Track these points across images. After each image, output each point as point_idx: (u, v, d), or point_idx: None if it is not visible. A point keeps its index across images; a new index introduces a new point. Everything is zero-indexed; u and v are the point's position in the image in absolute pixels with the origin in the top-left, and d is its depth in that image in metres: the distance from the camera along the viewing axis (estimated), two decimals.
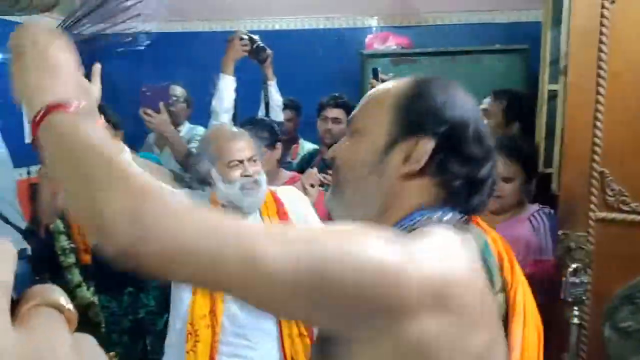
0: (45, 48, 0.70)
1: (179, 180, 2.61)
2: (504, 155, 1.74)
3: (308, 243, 0.56)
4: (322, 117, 2.63)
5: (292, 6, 3.80)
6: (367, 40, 3.54)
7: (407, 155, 0.71)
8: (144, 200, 0.54)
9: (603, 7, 1.48)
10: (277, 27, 3.86)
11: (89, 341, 0.23)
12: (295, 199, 1.83)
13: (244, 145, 1.70)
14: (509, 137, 1.95)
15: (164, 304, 2.44)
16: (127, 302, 2.41)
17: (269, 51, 2.39)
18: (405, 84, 0.76)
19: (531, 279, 1.62)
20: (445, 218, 0.70)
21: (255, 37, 2.37)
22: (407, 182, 0.71)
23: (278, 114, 2.42)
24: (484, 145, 0.74)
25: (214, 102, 2.27)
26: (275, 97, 2.42)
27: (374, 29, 3.73)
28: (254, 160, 1.71)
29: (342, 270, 0.54)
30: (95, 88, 1.37)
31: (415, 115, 0.72)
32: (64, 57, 0.71)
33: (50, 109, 0.62)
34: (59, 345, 0.22)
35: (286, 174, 2.34)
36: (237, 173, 1.67)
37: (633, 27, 1.47)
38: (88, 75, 1.22)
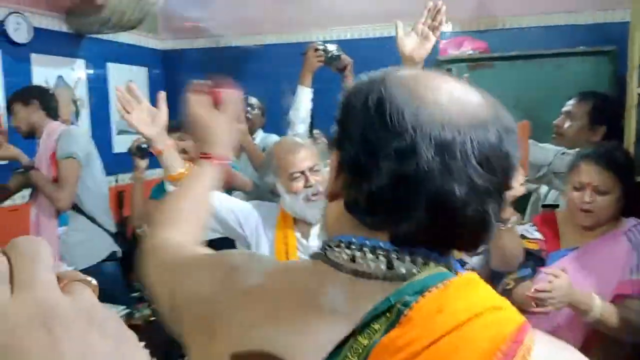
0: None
1: (254, 188, 2.69)
2: (599, 166, 1.62)
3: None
4: None
5: (363, 15, 3.83)
6: (440, 45, 3.49)
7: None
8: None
9: None
10: (348, 36, 3.90)
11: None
12: None
13: (304, 155, 1.70)
14: (603, 145, 1.81)
15: None
16: None
17: (345, 59, 2.36)
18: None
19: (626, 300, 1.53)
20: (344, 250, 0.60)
21: (332, 46, 2.36)
22: (330, 203, 0.65)
23: None
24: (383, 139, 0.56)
25: (290, 113, 2.32)
26: None
27: (448, 34, 3.67)
28: (316, 170, 1.70)
29: None
30: (162, 114, 1.44)
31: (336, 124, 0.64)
32: None
33: None
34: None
35: None
36: (299, 184, 1.67)
37: None
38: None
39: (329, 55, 2.33)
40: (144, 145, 2.40)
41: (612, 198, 1.61)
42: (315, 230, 1.76)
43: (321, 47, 2.34)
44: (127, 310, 2.25)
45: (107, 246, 2.49)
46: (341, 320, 0.55)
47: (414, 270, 0.57)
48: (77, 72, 3.42)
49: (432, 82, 0.60)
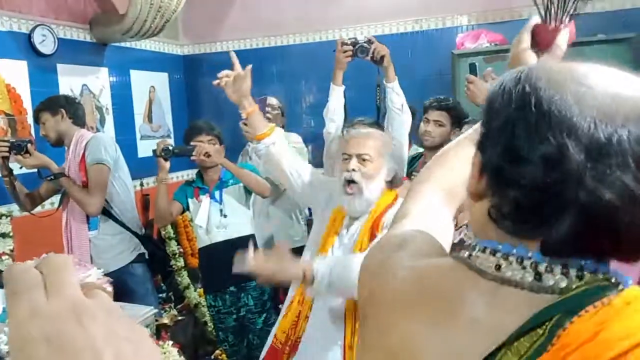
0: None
1: (274, 187, 2.73)
2: None
3: None
4: (424, 119, 2.57)
5: (381, 12, 3.84)
6: (457, 39, 3.48)
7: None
8: None
9: None
10: (365, 33, 3.91)
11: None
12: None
13: (357, 142, 1.71)
14: None
15: (262, 304, 2.57)
16: (229, 302, 2.56)
17: (378, 49, 2.27)
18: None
19: None
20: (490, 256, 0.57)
21: (361, 37, 2.31)
22: (475, 204, 0.62)
23: (394, 117, 2.26)
24: (546, 138, 0.51)
25: (324, 111, 2.32)
26: (395, 99, 2.27)
27: (465, 27, 3.66)
28: (365, 160, 1.69)
29: None
30: (247, 81, 1.89)
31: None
32: None
33: None
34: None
35: None
36: (344, 166, 1.70)
37: None
38: None
39: (357, 47, 2.29)
40: (169, 147, 2.47)
41: None
42: (355, 228, 1.72)
43: (348, 41, 2.29)
44: (155, 311, 2.32)
45: (135, 248, 2.57)
46: (481, 329, 0.53)
47: (564, 284, 0.52)
48: (101, 80, 3.52)
49: (583, 75, 0.54)
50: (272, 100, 3.03)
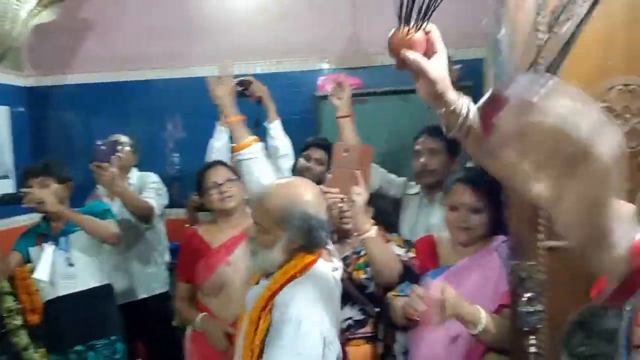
0: None
1: (132, 230, 2.55)
2: (471, 187, 1.77)
3: None
4: (306, 156, 2.60)
5: (245, 52, 3.85)
6: (319, 82, 3.60)
7: None
8: None
9: (539, 44, 1.56)
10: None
11: None
12: None
13: None
14: (473, 169, 1.98)
15: None
16: None
17: (254, 88, 2.31)
18: None
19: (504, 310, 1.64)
20: None
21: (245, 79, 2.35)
22: None
23: (283, 161, 2.27)
24: None
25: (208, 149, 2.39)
26: (280, 142, 2.27)
27: (326, 71, 3.81)
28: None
29: None
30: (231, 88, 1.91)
31: None
32: None
33: None
34: None
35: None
36: None
37: (572, 59, 1.55)
38: None
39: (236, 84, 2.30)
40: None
41: (484, 216, 1.77)
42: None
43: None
44: None
45: None
46: None
47: None
48: None
49: None
50: (123, 138, 2.86)
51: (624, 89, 1.51)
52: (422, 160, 2.30)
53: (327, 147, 2.57)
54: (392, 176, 2.53)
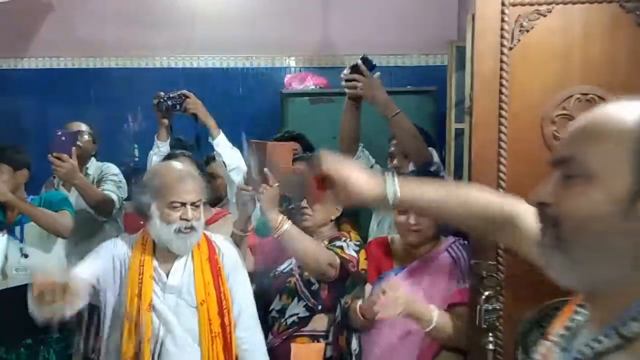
0: None
1: (88, 224, 2.48)
2: None
3: None
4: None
5: (211, 45, 3.82)
6: (285, 79, 3.61)
7: None
8: None
9: (502, 53, 1.62)
10: (195, 64, 3.85)
11: None
12: (228, 248, 1.82)
13: (191, 188, 1.68)
14: (423, 171, 2.03)
15: (67, 358, 2.26)
16: (25, 356, 2.21)
17: (189, 105, 2.27)
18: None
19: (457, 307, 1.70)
20: None
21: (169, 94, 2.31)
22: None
23: (234, 174, 2.23)
24: None
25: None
26: (227, 157, 2.24)
27: (293, 69, 3.82)
28: (197, 205, 1.69)
29: None
30: None
31: None
32: None
33: None
34: None
35: (213, 210, 2.30)
36: (176, 215, 1.65)
37: (530, 70, 1.62)
38: None
39: (165, 100, 2.29)
40: None
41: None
42: (179, 265, 1.71)
43: (162, 94, 2.30)
44: None
45: None
46: None
47: None
48: None
49: None
50: (81, 126, 2.77)
51: (582, 97, 1.60)
52: (395, 162, 2.34)
53: (298, 137, 2.56)
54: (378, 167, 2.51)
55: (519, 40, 1.63)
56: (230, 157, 2.26)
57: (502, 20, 1.63)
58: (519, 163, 1.62)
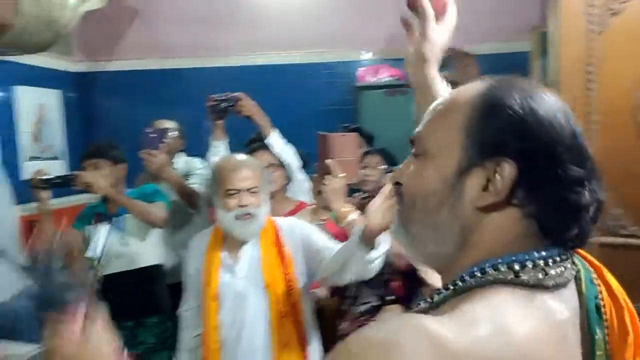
0: None
1: (180, 214, 2.62)
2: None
3: None
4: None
5: (284, 41, 3.90)
6: (358, 73, 3.62)
7: (486, 182, 0.58)
8: None
9: (589, 38, 1.56)
10: (269, 61, 3.94)
11: None
12: (293, 225, 1.85)
13: (245, 175, 1.74)
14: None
15: (164, 341, 2.40)
16: (124, 337, 2.38)
17: (242, 108, 2.34)
18: (475, 93, 0.62)
19: None
20: (540, 261, 0.58)
21: (223, 96, 2.38)
22: (488, 215, 0.59)
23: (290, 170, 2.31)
24: (583, 162, 0.59)
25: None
26: (283, 155, 2.30)
27: (366, 62, 3.82)
28: (254, 192, 1.74)
29: None
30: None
31: (492, 133, 0.59)
32: None
33: None
34: None
35: (292, 201, 2.37)
36: (233, 202, 1.72)
37: (620, 56, 1.54)
38: None
39: (219, 104, 2.36)
40: (46, 177, 2.30)
41: None
42: (246, 250, 1.77)
43: (216, 96, 2.37)
44: (40, 350, 2.10)
45: (17, 281, 2.32)
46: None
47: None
48: None
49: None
50: (168, 124, 2.93)
51: None
52: None
53: (356, 131, 2.56)
54: None
55: (607, 24, 1.56)
56: (285, 153, 2.32)
57: (590, 2, 1.56)
58: (608, 151, 1.55)
